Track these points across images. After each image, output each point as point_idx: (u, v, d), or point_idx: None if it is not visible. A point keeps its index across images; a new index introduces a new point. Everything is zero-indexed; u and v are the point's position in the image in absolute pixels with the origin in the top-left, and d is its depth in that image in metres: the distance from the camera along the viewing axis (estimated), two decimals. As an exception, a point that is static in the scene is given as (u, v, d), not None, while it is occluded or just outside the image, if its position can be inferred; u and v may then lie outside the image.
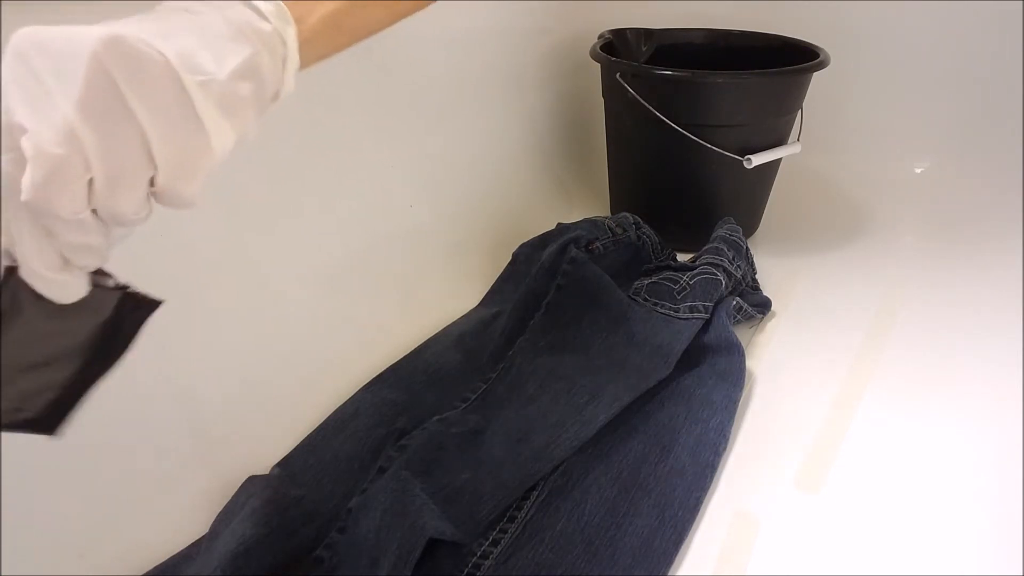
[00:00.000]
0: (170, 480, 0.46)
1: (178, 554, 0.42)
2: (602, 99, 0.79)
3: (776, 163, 0.75)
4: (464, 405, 0.54)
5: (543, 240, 0.69)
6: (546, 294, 0.62)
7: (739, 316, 0.61)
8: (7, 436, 0.39)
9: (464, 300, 0.67)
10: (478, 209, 0.75)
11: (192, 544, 0.43)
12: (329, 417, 0.52)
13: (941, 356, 0.58)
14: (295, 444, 0.50)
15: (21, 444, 0.40)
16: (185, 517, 0.44)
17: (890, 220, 0.83)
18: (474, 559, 0.41)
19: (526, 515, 0.44)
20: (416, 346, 0.60)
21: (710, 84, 0.67)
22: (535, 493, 0.46)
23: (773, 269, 0.72)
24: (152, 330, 0.26)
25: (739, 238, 0.67)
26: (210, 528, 0.43)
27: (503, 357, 0.58)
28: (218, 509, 0.44)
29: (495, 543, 0.42)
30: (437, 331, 0.62)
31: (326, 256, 0.60)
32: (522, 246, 0.69)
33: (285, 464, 0.49)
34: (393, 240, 0.65)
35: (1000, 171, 0.85)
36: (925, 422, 0.51)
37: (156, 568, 0.42)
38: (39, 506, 0.41)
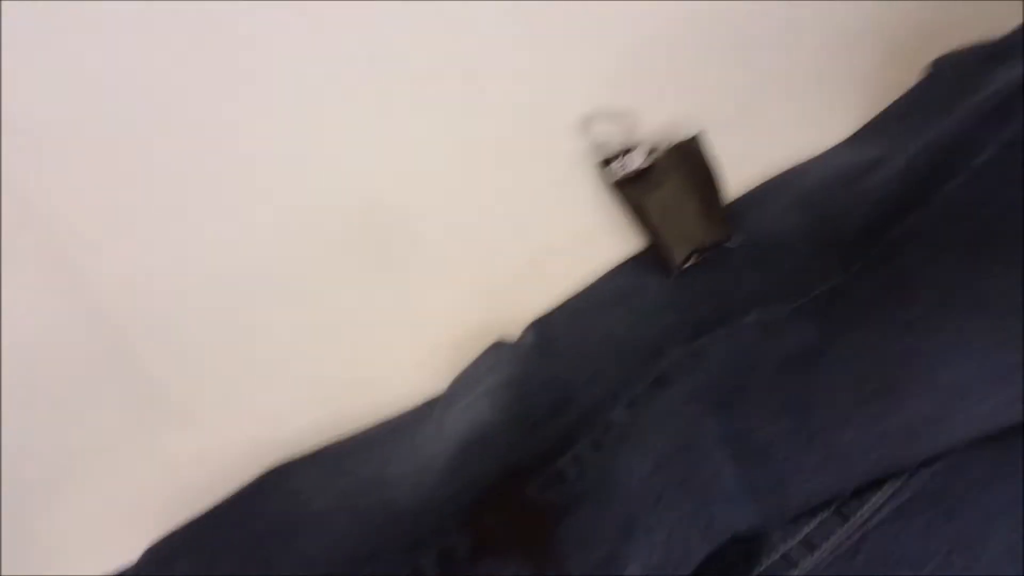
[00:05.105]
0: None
1: (410, 411, 0.36)
2: None
3: None
4: (799, 302, 0.36)
5: (989, 52, 0.41)
6: (982, 146, 0.37)
7: None
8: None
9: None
10: None
11: (425, 403, 0.36)
12: (603, 278, 0.39)
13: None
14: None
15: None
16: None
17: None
18: (772, 560, 0.28)
19: (867, 518, 0.28)
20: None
21: None
22: (890, 487, 0.29)
23: None
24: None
25: None
26: (447, 391, 0.36)
27: (880, 236, 0.37)
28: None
29: (809, 545, 0.28)
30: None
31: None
32: (948, 56, 0.43)
33: (543, 327, 0.38)
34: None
35: None
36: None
37: (394, 418, 0.36)
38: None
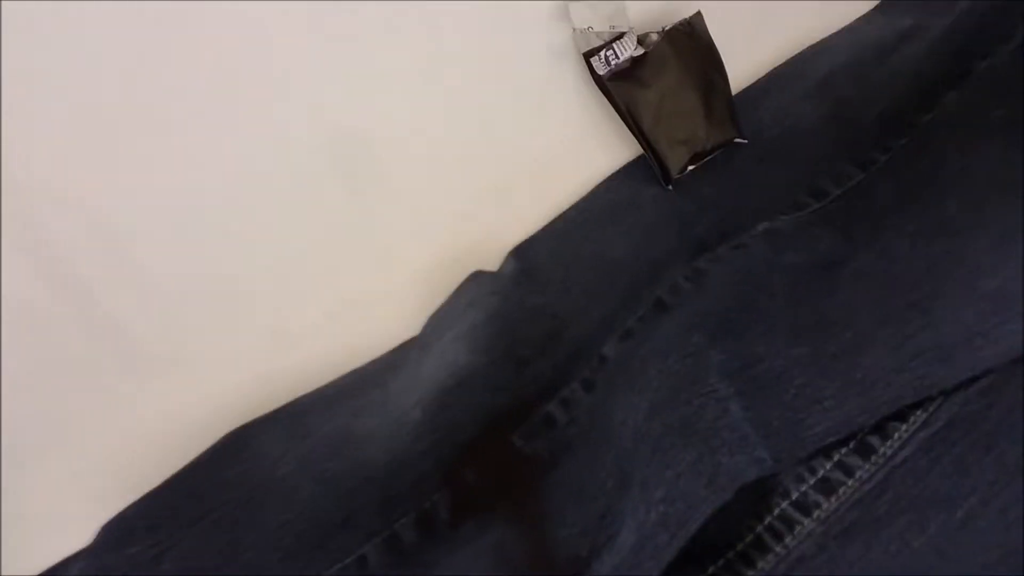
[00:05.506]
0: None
1: (381, 358, 0.33)
2: None
3: None
4: (815, 206, 0.32)
5: None
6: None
7: None
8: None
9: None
10: None
11: (399, 347, 0.32)
12: (592, 193, 0.35)
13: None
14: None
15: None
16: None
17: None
18: (783, 506, 0.25)
19: (893, 453, 0.25)
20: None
21: None
22: (920, 417, 0.26)
23: None
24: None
25: None
26: (421, 332, 0.32)
27: (909, 123, 0.32)
28: None
29: (827, 487, 0.25)
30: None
31: None
32: None
33: (525, 253, 0.34)
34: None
35: None
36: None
37: (364, 367, 0.33)
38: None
